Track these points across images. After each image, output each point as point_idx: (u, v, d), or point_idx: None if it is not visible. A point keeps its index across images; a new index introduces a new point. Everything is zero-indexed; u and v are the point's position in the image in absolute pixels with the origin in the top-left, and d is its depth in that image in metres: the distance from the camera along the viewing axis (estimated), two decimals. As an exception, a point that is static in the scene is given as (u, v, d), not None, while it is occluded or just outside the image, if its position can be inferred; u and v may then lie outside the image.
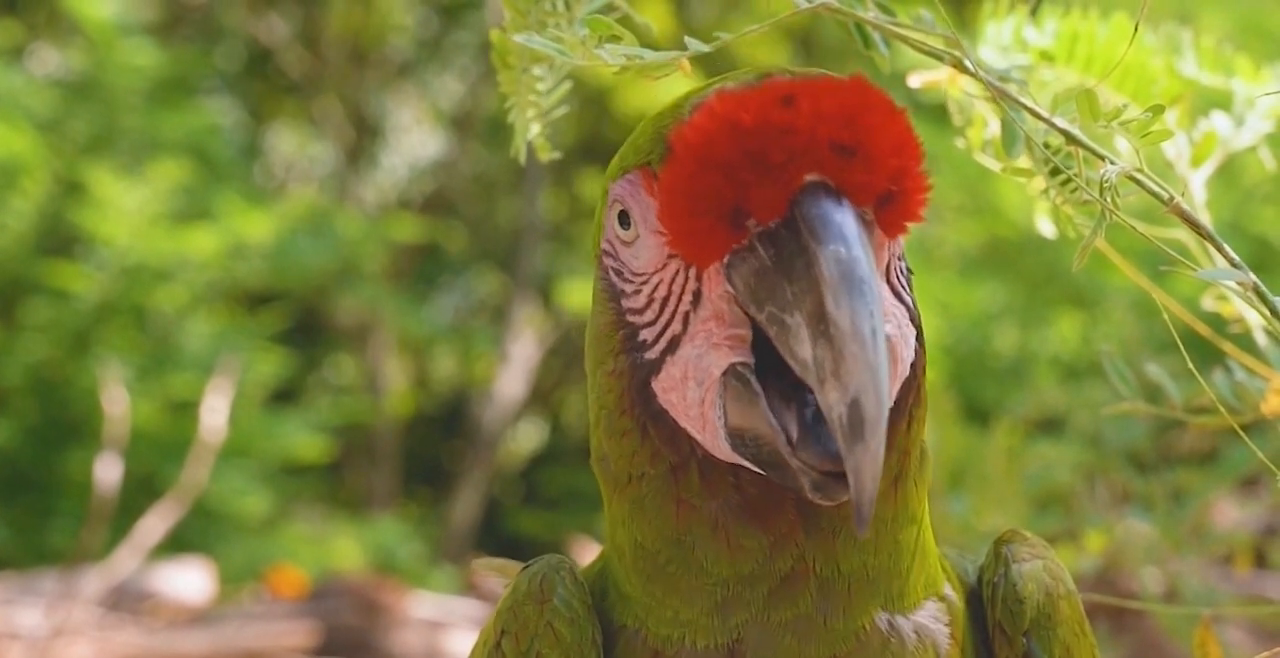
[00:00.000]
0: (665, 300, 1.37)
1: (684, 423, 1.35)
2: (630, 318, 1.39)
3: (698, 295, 1.34)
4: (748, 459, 1.32)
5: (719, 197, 1.27)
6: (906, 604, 1.41)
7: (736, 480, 1.35)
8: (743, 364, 1.31)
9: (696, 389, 1.34)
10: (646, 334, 1.38)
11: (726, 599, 1.37)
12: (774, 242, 1.27)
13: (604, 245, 1.43)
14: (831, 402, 1.22)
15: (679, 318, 1.36)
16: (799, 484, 1.29)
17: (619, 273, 1.41)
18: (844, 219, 1.25)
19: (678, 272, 1.36)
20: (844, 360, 1.21)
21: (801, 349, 1.24)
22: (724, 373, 1.32)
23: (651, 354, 1.37)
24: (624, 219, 1.39)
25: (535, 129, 1.72)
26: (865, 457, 1.21)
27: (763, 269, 1.28)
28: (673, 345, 1.36)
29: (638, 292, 1.39)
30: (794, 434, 1.29)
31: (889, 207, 1.30)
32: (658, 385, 1.37)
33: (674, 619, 1.40)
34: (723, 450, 1.34)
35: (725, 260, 1.31)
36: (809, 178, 1.26)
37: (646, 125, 1.41)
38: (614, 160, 1.44)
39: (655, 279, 1.38)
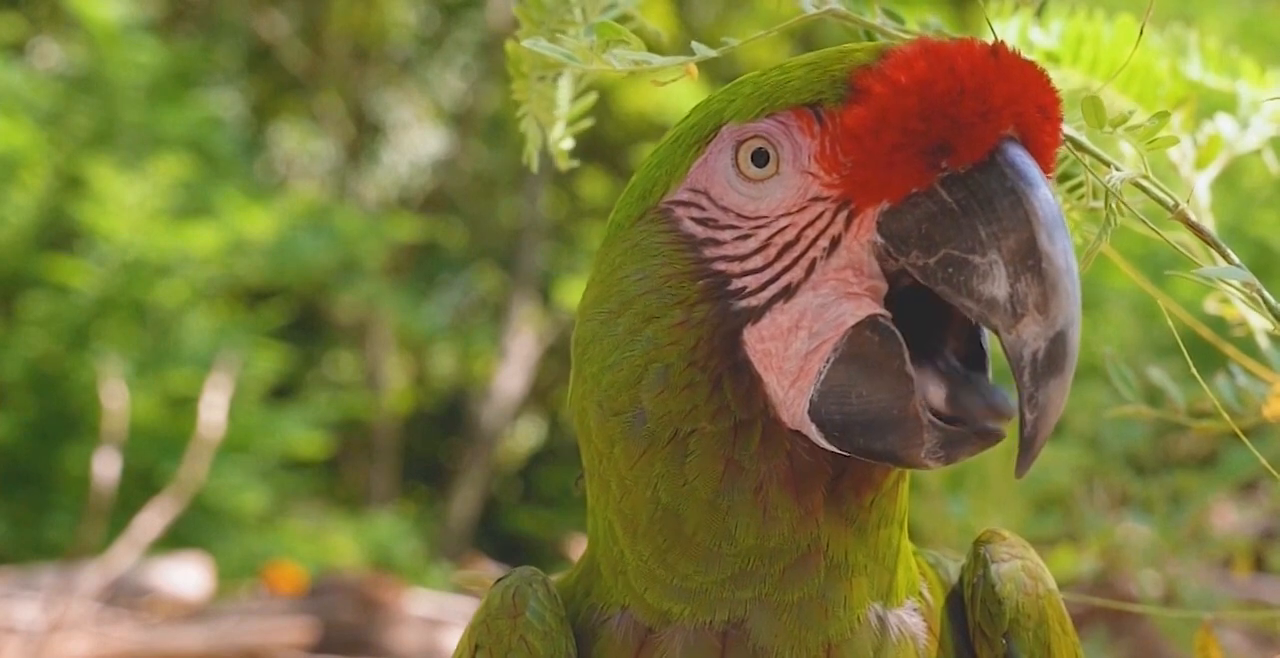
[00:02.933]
0: (789, 245, 1.36)
1: (769, 376, 1.35)
2: (721, 265, 1.38)
3: (835, 242, 1.35)
4: (830, 422, 1.33)
5: (926, 133, 1.30)
6: (893, 601, 1.42)
7: (792, 447, 1.36)
8: (884, 316, 1.33)
9: (808, 340, 1.35)
10: (749, 282, 1.37)
11: (743, 572, 1.38)
12: (966, 185, 1.30)
13: (681, 195, 1.42)
14: (1028, 337, 1.27)
15: (803, 264, 1.36)
16: (914, 443, 1.31)
17: (711, 221, 1.40)
18: (1040, 171, 1.31)
19: (820, 215, 1.36)
20: (1056, 294, 1.26)
21: (991, 287, 1.28)
22: (859, 324, 1.33)
23: (753, 301, 1.37)
24: (760, 158, 1.39)
25: (557, 136, 1.72)
26: (1059, 391, 1.27)
27: (944, 212, 1.30)
28: (787, 292, 1.36)
29: (746, 237, 1.38)
30: (930, 389, 1.32)
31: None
32: (752, 334, 1.36)
33: (679, 589, 1.40)
34: (796, 411, 1.35)
35: (885, 208, 1.33)
36: (1010, 130, 1.31)
37: (793, 73, 1.41)
38: (727, 107, 1.42)
39: (782, 223, 1.37)
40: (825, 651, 1.39)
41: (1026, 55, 1.34)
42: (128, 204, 9.57)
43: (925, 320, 1.35)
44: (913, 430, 1.31)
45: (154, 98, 10.54)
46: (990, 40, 1.34)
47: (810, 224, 1.36)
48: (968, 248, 1.29)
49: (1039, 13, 1.86)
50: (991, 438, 1.32)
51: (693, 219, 1.41)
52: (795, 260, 1.36)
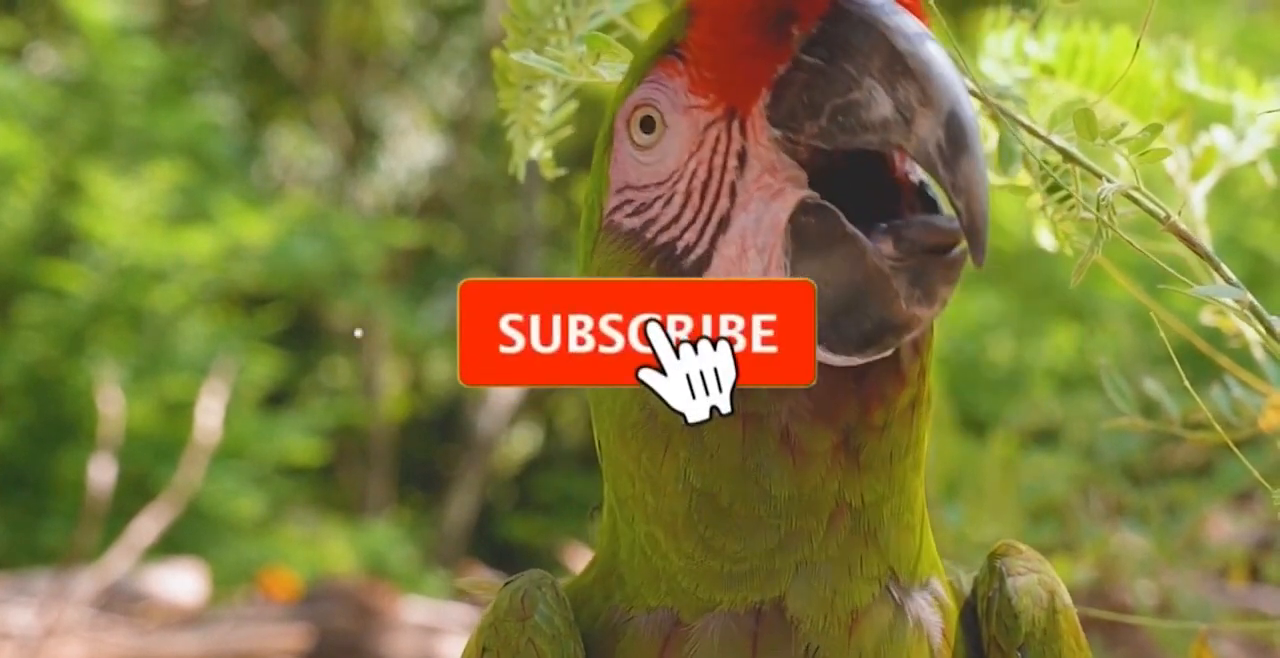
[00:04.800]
0: (706, 183, 1.39)
1: None
2: (663, 237, 1.40)
3: (743, 155, 1.37)
4: (820, 328, 1.33)
5: (764, 6, 1.33)
6: (911, 572, 1.42)
7: None
8: (810, 196, 1.35)
9: (758, 257, 1.36)
10: (687, 237, 1.39)
11: (789, 534, 1.38)
12: (822, 41, 1.32)
13: (611, 202, 1.44)
14: (925, 133, 1.27)
15: (725, 193, 1.38)
16: (890, 296, 1.31)
17: (639, 207, 1.42)
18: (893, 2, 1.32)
19: (717, 140, 1.38)
20: (930, 82, 1.27)
21: (879, 110, 1.29)
22: (791, 214, 1.35)
23: (699, 249, 1.39)
24: (647, 125, 1.42)
25: (539, 147, 1.73)
26: (973, 169, 1.26)
27: (814, 72, 1.33)
28: (723, 225, 1.38)
29: (667, 200, 1.40)
30: (878, 241, 1.31)
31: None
32: (710, 277, 1.38)
33: (729, 575, 1.39)
34: None
35: (765, 101, 1.35)
36: None
37: (643, 46, 1.46)
38: (608, 108, 1.47)
39: (691, 166, 1.39)
40: (851, 618, 1.38)
41: None
42: (124, 209, 9.56)
43: (870, 198, 1.36)
44: (881, 284, 1.31)
45: (151, 103, 10.54)
46: None
47: (714, 152, 1.39)
48: (845, 90, 1.31)
49: (1035, 25, 1.87)
50: (951, 255, 1.31)
51: (626, 215, 1.43)
52: (717, 192, 1.39)
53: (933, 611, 1.43)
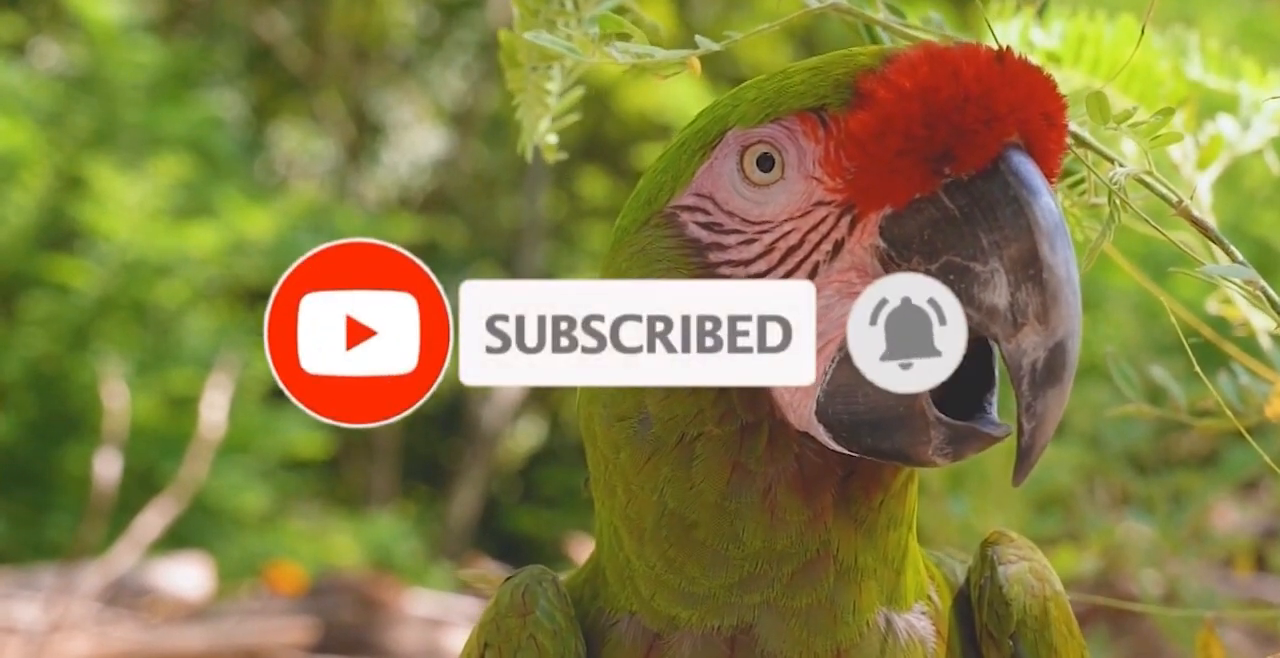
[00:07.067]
0: (793, 249, 1.37)
1: None
2: (726, 270, 1.38)
3: (838, 246, 1.35)
4: (838, 423, 1.33)
5: (930, 139, 1.30)
6: (902, 604, 1.42)
7: (800, 450, 1.36)
8: None
9: (815, 341, 1.34)
10: None
11: (751, 576, 1.38)
12: (969, 192, 1.30)
13: (686, 200, 1.42)
14: (1027, 347, 1.27)
15: (806, 267, 1.36)
16: (921, 441, 1.31)
17: (716, 226, 1.40)
18: (1044, 178, 1.31)
19: (823, 219, 1.36)
20: (1056, 304, 1.26)
21: (992, 296, 1.28)
22: None
23: None
24: (765, 163, 1.39)
25: (544, 130, 1.72)
26: (1056, 401, 1.27)
27: (947, 219, 1.31)
28: None
29: (750, 241, 1.38)
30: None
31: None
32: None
33: (686, 594, 1.39)
34: (803, 412, 1.35)
35: (888, 213, 1.33)
36: (1014, 137, 1.31)
37: (799, 77, 1.41)
38: (732, 112, 1.42)
39: (786, 227, 1.37)
40: (834, 656, 1.38)
41: (1032, 61, 1.33)
42: (128, 204, 9.57)
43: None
44: (919, 428, 1.31)
45: (154, 98, 10.55)
46: (995, 45, 1.33)
47: (814, 228, 1.36)
48: (969, 255, 1.30)
49: (1040, 13, 1.86)
50: (997, 434, 1.32)
51: (697, 224, 1.41)
52: (799, 264, 1.36)
53: (925, 619, 1.44)
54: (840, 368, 1.33)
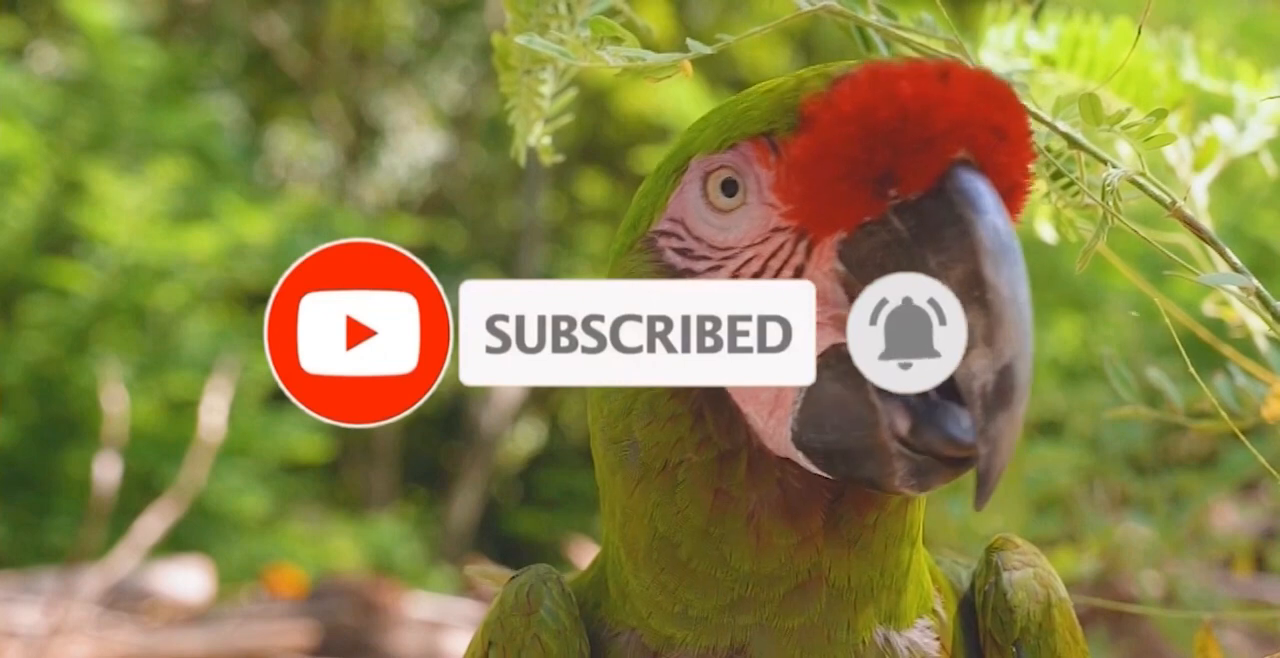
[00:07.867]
0: (757, 276, 1.35)
1: (748, 407, 1.35)
2: None
3: (799, 272, 1.33)
4: (813, 450, 1.32)
5: (870, 162, 1.28)
6: (902, 623, 1.42)
7: (782, 475, 1.35)
8: (843, 345, 1.30)
9: None
10: None
11: (742, 598, 1.38)
12: (916, 213, 1.27)
13: (663, 225, 1.41)
14: (976, 370, 1.24)
15: None
16: (887, 472, 1.29)
17: (687, 251, 1.39)
18: (993, 195, 1.27)
19: (781, 246, 1.34)
20: (1001, 326, 1.23)
21: None
22: (823, 354, 1.31)
23: None
24: (729, 187, 1.37)
25: (539, 132, 1.72)
26: (1008, 425, 1.24)
27: (896, 241, 1.28)
28: None
29: (717, 268, 1.37)
30: (897, 419, 1.28)
31: (1007, 198, 1.31)
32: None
33: (681, 615, 1.40)
34: (780, 440, 1.34)
35: (842, 237, 1.31)
36: (960, 154, 1.27)
37: (754, 101, 1.39)
38: (697, 137, 1.42)
39: (748, 254, 1.36)
40: None
41: (990, 74, 1.30)
42: (127, 208, 9.56)
43: None
44: (883, 459, 1.29)
45: (153, 102, 10.54)
46: (945, 60, 1.31)
47: (774, 255, 1.35)
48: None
49: (1036, 16, 1.87)
50: (961, 466, 1.28)
51: (673, 249, 1.40)
52: None
53: (929, 635, 1.44)
54: (808, 398, 1.32)
